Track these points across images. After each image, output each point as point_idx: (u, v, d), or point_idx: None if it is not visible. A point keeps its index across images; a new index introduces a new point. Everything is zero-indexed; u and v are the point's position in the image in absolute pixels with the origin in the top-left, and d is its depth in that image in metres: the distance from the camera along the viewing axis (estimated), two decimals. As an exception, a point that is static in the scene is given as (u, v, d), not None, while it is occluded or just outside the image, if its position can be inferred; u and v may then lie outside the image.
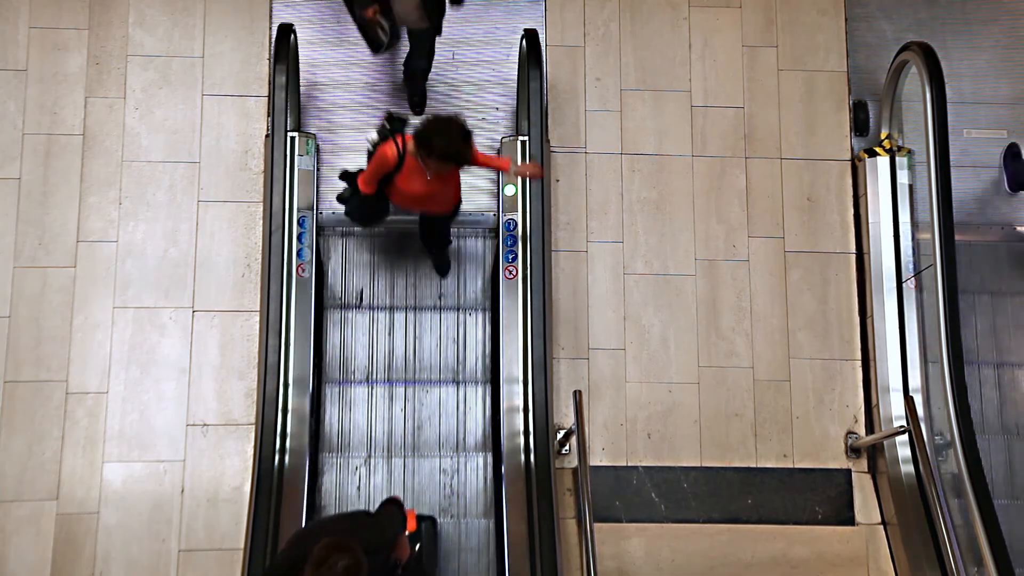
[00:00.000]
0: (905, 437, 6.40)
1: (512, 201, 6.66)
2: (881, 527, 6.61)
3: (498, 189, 6.80)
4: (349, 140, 7.00)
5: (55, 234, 6.71)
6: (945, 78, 6.46)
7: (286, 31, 6.63)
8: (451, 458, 6.52)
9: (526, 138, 6.70)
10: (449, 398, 6.63)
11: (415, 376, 6.66)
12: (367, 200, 6.09)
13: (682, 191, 7.07)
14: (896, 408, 6.61)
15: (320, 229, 6.78)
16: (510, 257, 6.55)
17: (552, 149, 7.03)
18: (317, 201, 6.72)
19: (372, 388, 6.66)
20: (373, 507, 5.48)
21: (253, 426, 6.43)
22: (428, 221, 6.48)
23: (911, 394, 6.58)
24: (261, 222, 6.77)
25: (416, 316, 6.77)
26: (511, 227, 6.60)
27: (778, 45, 7.35)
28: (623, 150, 7.12)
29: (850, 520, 6.63)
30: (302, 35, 7.01)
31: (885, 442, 6.55)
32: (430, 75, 6.97)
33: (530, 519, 5.79)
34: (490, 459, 6.49)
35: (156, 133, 6.92)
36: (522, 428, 6.23)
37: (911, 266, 6.84)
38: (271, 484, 5.93)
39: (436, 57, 6.77)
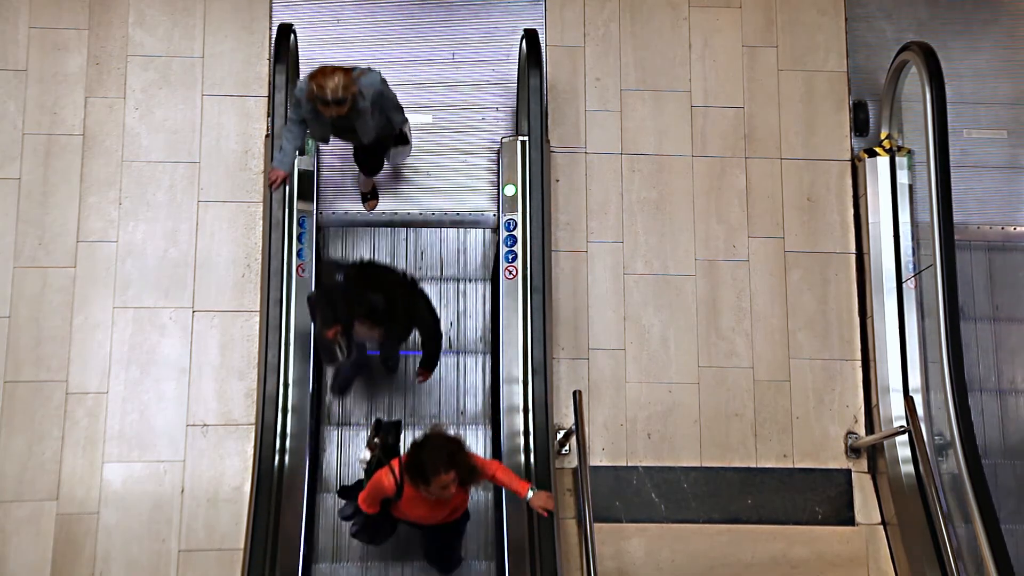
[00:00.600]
0: (905, 437, 6.39)
1: (512, 201, 6.66)
2: (881, 527, 6.61)
3: (498, 189, 6.79)
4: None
5: (55, 234, 6.71)
6: (945, 78, 6.45)
7: (286, 31, 6.64)
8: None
9: (526, 138, 6.70)
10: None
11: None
12: (371, 520, 5.51)
13: (682, 191, 7.07)
14: (896, 408, 6.61)
15: (320, 229, 6.78)
16: (510, 257, 6.54)
17: (552, 149, 7.03)
18: (317, 201, 6.72)
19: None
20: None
21: (253, 426, 6.43)
22: (436, 535, 5.77)
23: (911, 394, 6.58)
24: (261, 222, 6.77)
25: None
26: (511, 227, 6.59)
27: (778, 45, 7.34)
28: (623, 150, 7.12)
29: (850, 520, 6.63)
30: (302, 35, 7.00)
31: (885, 442, 6.54)
32: (430, 75, 6.99)
33: (530, 519, 5.78)
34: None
35: (156, 133, 6.92)
36: (522, 428, 6.22)
37: (911, 266, 6.84)
38: (271, 484, 5.93)
39: (436, 57, 6.79)
